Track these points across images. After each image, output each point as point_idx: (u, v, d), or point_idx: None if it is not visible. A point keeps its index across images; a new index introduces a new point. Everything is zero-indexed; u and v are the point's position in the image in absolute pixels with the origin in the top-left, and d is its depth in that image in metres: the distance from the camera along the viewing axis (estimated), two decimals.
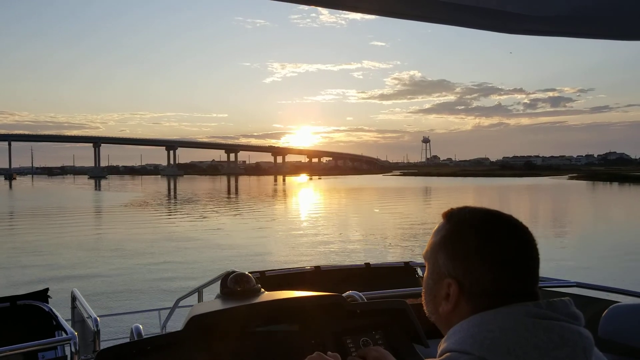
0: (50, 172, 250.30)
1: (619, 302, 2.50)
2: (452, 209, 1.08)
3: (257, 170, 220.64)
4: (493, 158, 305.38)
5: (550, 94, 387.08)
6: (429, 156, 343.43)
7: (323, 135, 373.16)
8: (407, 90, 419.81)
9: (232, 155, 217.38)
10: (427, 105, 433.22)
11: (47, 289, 3.58)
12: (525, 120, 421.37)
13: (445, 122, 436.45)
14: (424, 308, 1.09)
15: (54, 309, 3.36)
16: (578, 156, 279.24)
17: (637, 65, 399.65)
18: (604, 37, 1.60)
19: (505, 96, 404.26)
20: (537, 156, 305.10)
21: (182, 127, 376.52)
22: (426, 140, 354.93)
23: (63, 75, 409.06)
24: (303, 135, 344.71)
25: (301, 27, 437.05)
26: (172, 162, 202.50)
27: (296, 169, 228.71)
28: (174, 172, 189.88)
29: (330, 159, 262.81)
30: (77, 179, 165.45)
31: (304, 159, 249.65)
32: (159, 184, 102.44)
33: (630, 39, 1.59)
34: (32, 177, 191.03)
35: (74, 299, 3.61)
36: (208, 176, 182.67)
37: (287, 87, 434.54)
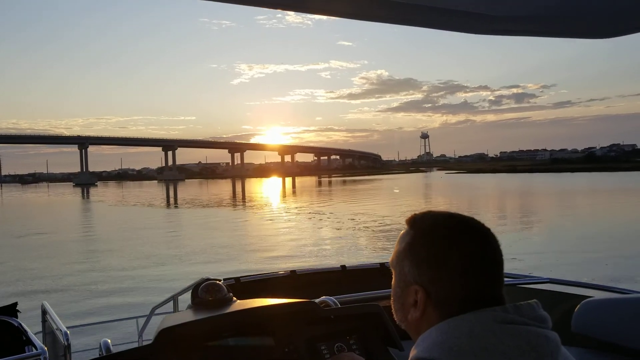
0: (22, 180, 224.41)
1: (591, 296, 2.47)
2: (415, 214, 1.06)
3: (260, 171, 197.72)
4: (487, 153, 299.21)
5: (515, 90, 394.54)
6: (428, 151, 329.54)
7: (293, 136, 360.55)
8: (375, 90, 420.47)
9: (235, 156, 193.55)
10: (395, 104, 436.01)
11: (15, 303, 3.49)
12: (491, 117, 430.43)
13: (413, 120, 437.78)
14: (394, 316, 1.08)
15: (23, 324, 3.25)
16: (584, 149, 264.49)
17: (596, 61, 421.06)
18: (568, 35, 1.63)
19: (470, 93, 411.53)
20: (545, 149, 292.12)
21: (149, 131, 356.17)
22: (424, 136, 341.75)
23: (24, 80, 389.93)
24: (273, 136, 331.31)
25: (267, 28, 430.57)
26: (170, 164, 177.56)
27: (302, 169, 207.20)
28: (175, 176, 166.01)
29: (338, 157, 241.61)
30: (56, 187, 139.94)
31: (286, 155, 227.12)
32: (184, 191, 79.17)
33: (593, 37, 1.62)
34: (1, 186, 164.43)
35: (44, 312, 3.47)
36: (209, 180, 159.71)
37: (255, 88, 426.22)
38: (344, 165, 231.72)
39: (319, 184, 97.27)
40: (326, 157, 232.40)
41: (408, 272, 1.01)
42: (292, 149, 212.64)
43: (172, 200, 56.83)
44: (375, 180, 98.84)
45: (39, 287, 12.94)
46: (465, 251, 0.98)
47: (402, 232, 1.07)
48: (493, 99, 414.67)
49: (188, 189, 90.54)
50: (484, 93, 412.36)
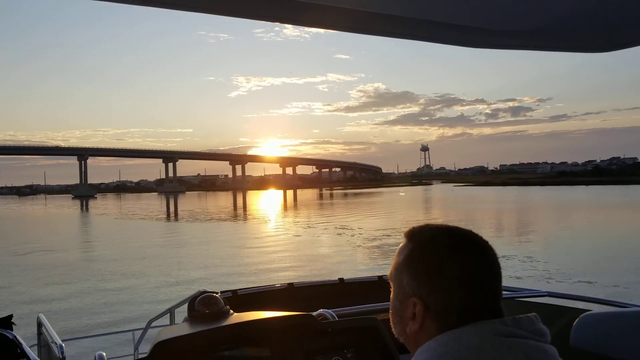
0: (19, 192, 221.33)
1: (590, 310, 2.46)
2: (413, 228, 1.07)
3: (261, 183, 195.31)
4: (487, 166, 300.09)
5: (511, 103, 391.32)
6: (427, 164, 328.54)
7: (290, 148, 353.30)
8: (372, 102, 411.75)
9: (236, 168, 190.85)
10: (392, 117, 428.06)
11: (11, 316, 3.46)
12: (487, 130, 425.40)
13: (410, 133, 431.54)
14: (393, 329, 1.07)
15: (18, 337, 3.17)
16: (584, 162, 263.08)
17: (592, 75, 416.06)
18: (565, 50, 1.68)
19: (467, 107, 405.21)
20: (546, 162, 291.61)
21: (146, 143, 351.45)
22: (424, 149, 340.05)
23: (21, 92, 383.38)
24: (270, 149, 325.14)
25: (265, 41, 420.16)
26: (170, 175, 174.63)
27: (304, 181, 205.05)
28: (175, 188, 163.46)
29: (339, 169, 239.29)
30: (55, 199, 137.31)
31: (286, 167, 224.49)
32: (189, 204, 76.71)
33: (589, 51, 1.67)
34: None
35: (39, 325, 3.46)
36: (210, 192, 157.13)
37: (252, 101, 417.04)
38: (345, 177, 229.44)
39: (326, 196, 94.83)
40: (327, 170, 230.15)
41: (407, 284, 1.01)
42: (294, 161, 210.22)
43: (180, 213, 54.23)
44: (383, 193, 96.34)
45: (60, 326, 10.43)
46: (464, 263, 0.98)
47: (401, 245, 1.07)
48: (489, 112, 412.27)
49: (192, 202, 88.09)
50: (480, 106, 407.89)
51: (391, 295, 1.06)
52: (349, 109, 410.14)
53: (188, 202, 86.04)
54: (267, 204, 72.34)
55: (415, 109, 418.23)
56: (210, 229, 34.08)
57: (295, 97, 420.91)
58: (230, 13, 1.24)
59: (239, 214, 50.76)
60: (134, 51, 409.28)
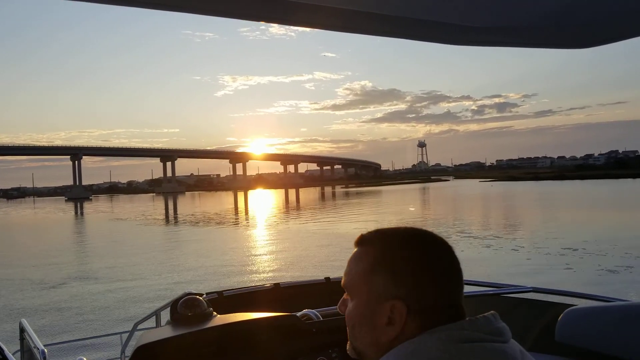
0: (6, 194, 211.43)
1: (574, 305, 2.51)
2: (362, 234, 1.04)
3: (261, 182, 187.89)
4: (485, 162, 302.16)
5: (497, 100, 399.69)
6: (424, 160, 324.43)
7: (278, 147, 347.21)
8: (358, 100, 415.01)
9: (236, 167, 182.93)
10: (378, 115, 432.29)
11: None
12: (473, 126, 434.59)
13: (397, 131, 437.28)
14: (354, 342, 1.01)
15: (0, 343, 3.15)
16: (583, 156, 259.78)
17: (576, 71, 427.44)
18: (547, 46, 1.71)
19: (453, 103, 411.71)
20: (545, 157, 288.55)
21: (132, 144, 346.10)
22: (422, 145, 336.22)
23: (4, 95, 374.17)
24: (258, 148, 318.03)
25: (251, 40, 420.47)
26: (169, 175, 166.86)
27: (306, 179, 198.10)
28: (174, 188, 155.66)
29: (340, 166, 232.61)
30: (48, 202, 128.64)
31: (279, 165, 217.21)
32: (200, 205, 69.44)
33: (571, 47, 1.71)
34: None
35: (22, 330, 3.42)
36: (210, 192, 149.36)
37: (239, 100, 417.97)
38: (346, 175, 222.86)
39: (344, 195, 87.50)
40: (328, 167, 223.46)
41: (383, 287, 0.96)
42: (296, 159, 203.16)
43: (211, 216, 46.46)
44: (406, 190, 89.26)
45: None
46: (439, 258, 0.98)
47: (359, 250, 1.03)
48: (475, 108, 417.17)
49: (202, 203, 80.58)
50: (466, 103, 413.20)
51: (352, 306, 1.01)
52: (335, 107, 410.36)
53: (198, 204, 78.52)
54: (293, 204, 65.03)
55: (402, 106, 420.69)
56: (248, 234, 26.72)
57: (282, 96, 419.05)
58: (218, 13, 1.24)
59: (268, 215, 43.39)
60: (119, 52, 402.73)
